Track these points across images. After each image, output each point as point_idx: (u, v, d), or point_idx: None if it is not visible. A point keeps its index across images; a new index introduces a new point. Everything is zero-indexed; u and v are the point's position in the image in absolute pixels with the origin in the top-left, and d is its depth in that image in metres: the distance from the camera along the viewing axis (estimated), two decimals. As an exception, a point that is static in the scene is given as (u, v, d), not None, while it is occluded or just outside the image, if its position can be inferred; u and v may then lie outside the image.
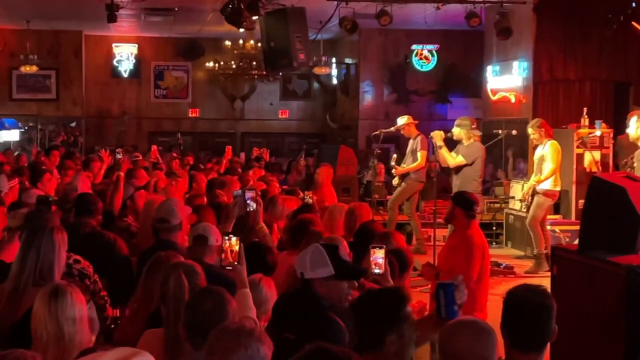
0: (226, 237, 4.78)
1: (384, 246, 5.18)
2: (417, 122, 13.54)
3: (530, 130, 12.35)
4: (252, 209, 6.60)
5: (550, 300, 3.87)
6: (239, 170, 12.73)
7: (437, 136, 12.02)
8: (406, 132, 13.41)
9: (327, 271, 4.29)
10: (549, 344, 3.90)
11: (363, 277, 4.69)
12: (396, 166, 13.15)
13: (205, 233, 5.71)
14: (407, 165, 13.11)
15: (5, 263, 5.08)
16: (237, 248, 4.74)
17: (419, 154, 12.98)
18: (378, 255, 5.09)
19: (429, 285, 9.85)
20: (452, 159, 12.00)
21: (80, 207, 6.97)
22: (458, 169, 12.21)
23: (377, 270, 5.00)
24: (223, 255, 4.72)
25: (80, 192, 7.86)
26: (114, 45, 23.25)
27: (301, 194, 9.43)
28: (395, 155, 13.69)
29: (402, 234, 7.78)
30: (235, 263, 4.67)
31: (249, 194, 6.67)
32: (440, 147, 11.98)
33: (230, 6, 12.73)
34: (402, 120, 13.45)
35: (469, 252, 6.95)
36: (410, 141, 13.35)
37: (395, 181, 13.36)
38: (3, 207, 6.78)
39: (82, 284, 5.18)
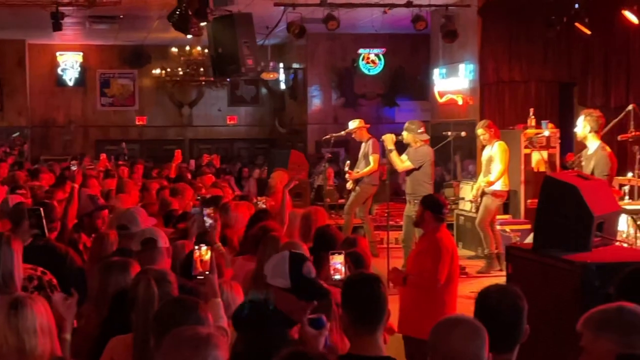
0: (196, 247, 4.73)
1: (343, 252, 5.16)
2: (368, 125, 13.52)
3: (480, 131, 12.43)
4: (210, 225, 6.54)
5: (523, 301, 3.87)
6: (189, 176, 12.65)
7: (388, 139, 12.01)
8: (357, 135, 13.39)
9: (284, 283, 4.20)
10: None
11: (319, 299, 4.46)
12: (350, 171, 13.14)
13: (154, 236, 5.60)
14: (360, 169, 13.10)
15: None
16: (207, 257, 4.69)
17: (371, 157, 12.96)
18: (337, 261, 5.05)
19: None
20: (401, 163, 12.01)
21: (27, 219, 6.69)
22: (409, 172, 12.24)
23: (337, 277, 4.96)
24: (194, 265, 4.67)
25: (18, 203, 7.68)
26: (58, 53, 23.01)
27: (255, 199, 9.38)
28: (348, 161, 13.69)
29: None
30: (207, 272, 4.62)
31: (207, 211, 6.62)
32: (391, 150, 11.98)
33: (178, 13, 12.64)
34: (353, 124, 13.42)
35: (437, 255, 6.91)
36: (362, 145, 13.31)
37: (349, 185, 13.35)
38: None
39: (51, 296, 5.11)
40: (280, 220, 7.27)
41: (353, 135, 13.53)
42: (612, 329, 3.36)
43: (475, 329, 3.35)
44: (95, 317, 4.74)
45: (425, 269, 6.90)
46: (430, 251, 7.00)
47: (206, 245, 4.77)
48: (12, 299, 3.73)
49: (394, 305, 6.82)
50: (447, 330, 3.35)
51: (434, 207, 7.20)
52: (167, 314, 3.74)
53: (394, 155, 11.96)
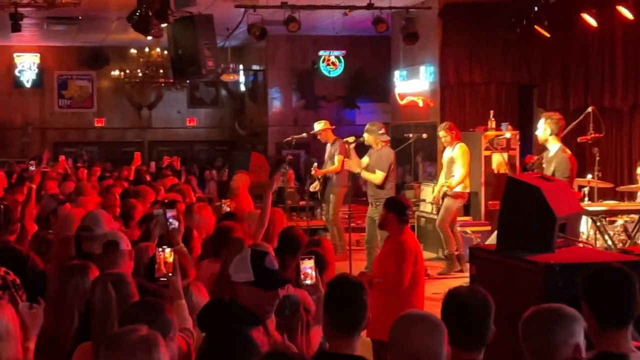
0: (160, 249, 4.69)
1: (313, 256, 5.14)
2: (333, 127, 13.53)
3: (441, 133, 12.46)
4: (173, 227, 6.48)
5: (490, 300, 3.89)
6: (148, 179, 12.55)
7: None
8: (323, 137, 13.39)
9: (247, 276, 4.16)
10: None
11: (281, 287, 4.51)
12: (316, 168, 13.17)
13: (116, 238, 5.51)
14: (326, 167, 13.19)
15: None
16: (170, 260, 4.67)
17: (336, 158, 12.99)
18: (307, 266, 5.01)
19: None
20: (376, 177, 11.94)
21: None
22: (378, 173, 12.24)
23: (307, 281, 4.94)
24: (157, 267, 4.61)
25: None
26: (15, 55, 22.79)
27: (217, 202, 9.35)
28: (315, 164, 13.67)
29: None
30: (170, 274, 4.59)
31: (170, 213, 6.55)
32: (359, 172, 11.99)
33: (138, 14, 12.55)
34: (319, 126, 13.43)
35: (401, 257, 6.90)
36: (328, 146, 13.35)
37: (314, 186, 13.33)
38: None
39: (16, 296, 5.04)
40: (261, 222, 7.18)
41: (318, 137, 13.52)
42: None
43: (434, 325, 3.36)
44: (52, 319, 4.66)
45: (390, 271, 6.89)
46: (394, 253, 6.98)
47: (169, 247, 4.73)
48: None
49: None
50: (406, 326, 3.36)
51: (398, 209, 7.17)
52: (132, 317, 3.66)
53: (365, 174, 11.94)
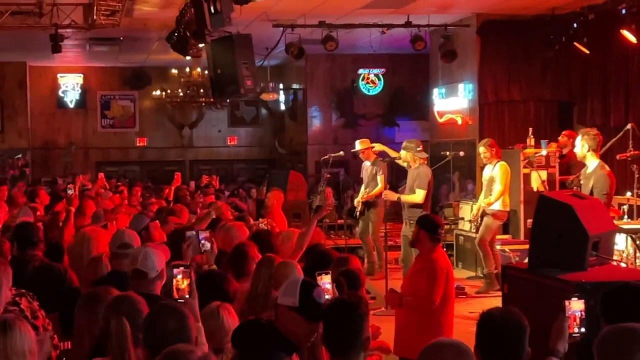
0: (175, 273, 4.71)
1: (330, 272, 5.14)
2: (374, 146, 13.42)
3: (482, 149, 12.35)
4: (206, 249, 6.51)
5: (525, 321, 3.86)
6: (188, 197, 12.64)
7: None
8: (364, 156, 13.18)
9: (292, 301, 4.17)
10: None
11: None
12: (362, 198, 13.14)
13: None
14: (370, 189, 13.09)
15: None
16: (183, 286, 4.64)
17: (379, 178, 12.93)
18: (325, 281, 5.00)
19: (382, 308, 9.90)
20: (417, 196, 11.86)
21: (22, 238, 6.79)
22: (412, 191, 12.20)
23: (326, 296, 4.96)
24: (172, 290, 4.63)
25: (19, 222, 7.64)
26: (59, 75, 23.07)
27: (251, 221, 9.37)
28: (354, 194, 13.71)
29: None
30: (187, 297, 4.59)
31: (202, 235, 6.57)
32: (398, 198, 11.97)
33: (176, 34, 12.71)
34: (360, 145, 13.27)
35: (433, 275, 6.85)
36: (367, 165, 13.19)
37: (357, 201, 13.30)
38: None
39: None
40: (300, 243, 7.14)
41: (360, 156, 13.40)
42: None
43: (463, 352, 3.35)
44: (76, 346, 4.69)
45: (420, 289, 6.87)
46: (425, 271, 6.95)
47: (185, 269, 4.75)
48: (1, 321, 3.67)
49: (390, 325, 6.85)
50: (436, 352, 3.34)
51: (430, 227, 7.14)
52: (156, 325, 3.74)
53: (405, 198, 11.90)
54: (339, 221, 14.25)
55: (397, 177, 14.26)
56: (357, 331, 3.95)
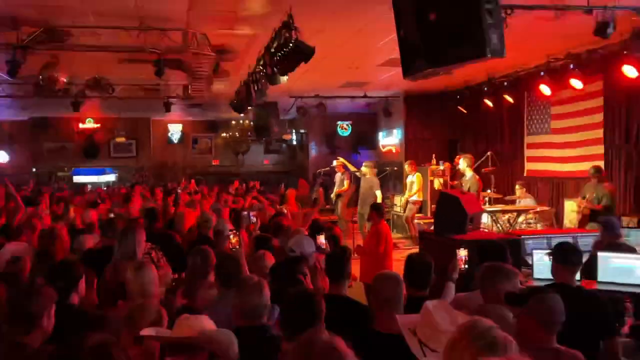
0: (231, 234, 4.76)
1: (323, 234, 5.12)
2: (343, 162, 13.53)
3: (406, 166, 12.56)
4: (254, 222, 6.50)
5: (431, 260, 3.85)
6: (242, 193, 12.60)
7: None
8: (337, 169, 13.45)
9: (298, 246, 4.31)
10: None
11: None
12: (338, 190, 13.15)
13: (222, 227, 5.41)
14: (338, 187, 13.15)
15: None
16: (234, 241, 4.77)
17: (345, 182, 13.03)
18: (321, 238, 5.00)
19: (354, 255, 9.86)
20: (380, 195, 11.79)
21: (150, 217, 6.76)
22: (365, 192, 12.17)
23: (322, 247, 4.94)
24: (229, 243, 4.67)
25: (147, 207, 7.57)
26: (168, 124, 22.91)
27: (277, 206, 9.34)
28: (330, 190, 13.70)
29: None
30: (237, 247, 4.58)
31: (252, 213, 6.60)
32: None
33: (235, 101, 12.68)
34: (335, 162, 13.54)
35: (379, 236, 6.87)
36: (339, 174, 13.37)
37: (333, 196, 13.32)
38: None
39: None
40: (306, 220, 6.83)
41: (335, 169, 13.55)
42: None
43: (398, 279, 3.27)
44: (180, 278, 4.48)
45: (373, 244, 6.89)
46: (375, 234, 6.98)
47: (235, 232, 4.76)
48: (137, 263, 3.68)
49: (356, 265, 6.83)
50: (382, 280, 3.27)
51: (378, 210, 7.20)
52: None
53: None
54: (327, 206, 14.20)
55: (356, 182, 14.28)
56: (346, 267, 3.91)
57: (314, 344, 1.70)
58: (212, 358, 2.30)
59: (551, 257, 3.78)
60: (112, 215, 7.75)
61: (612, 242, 5.29)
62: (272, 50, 7.05)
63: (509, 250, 4.10)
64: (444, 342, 1.99)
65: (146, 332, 2.34)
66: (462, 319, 2.18)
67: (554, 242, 4.96)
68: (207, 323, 2.39)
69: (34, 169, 20.95)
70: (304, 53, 6.46)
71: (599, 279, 5.02)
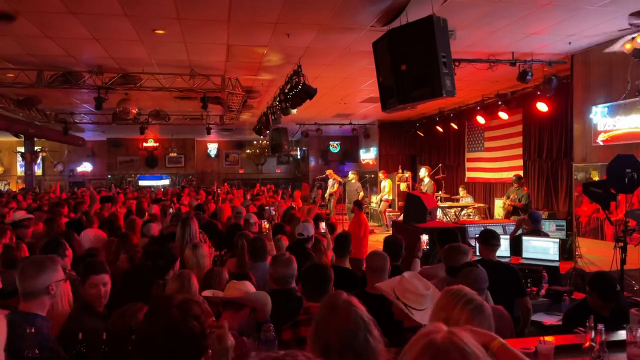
0: (264, 221, 4.62)
1: (323, 222, 5.09)
2: (332, 171, 13.56)
3: (380, 174, 12.47)
4: (273, 214, 6.45)
5: (402, 241, 3.83)
6: (261, 193, 12.53)
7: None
8: (329, 176, 13.45)
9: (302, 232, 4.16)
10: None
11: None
12: (331, 191, 13.10)
13: (250, 218, 5.20)
14: (330, 190, 13.16)
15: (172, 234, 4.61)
16: (267, 226, 4.59)
17: (335, 185, 13.00)
18: (323, 225, 5.01)
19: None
20: (362, 195, 11.83)
21: (198, 210, 6.73)
22: (350, 191, 12.17)
23: (322, 231, 4.91)
24: (261, 225, 4.56)
25: (196, 204, 7.53)
26: (208, 143, 22.82)
27: (290, 203, 9.28)
28: (321, 191, 13.67)
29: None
30: (264, 233, 4.43)
31: (272, 208, 6.55)
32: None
33: (257, 126, 12.64)
34: (327, 172, 13.52)
35: (360, 224, 6.83)
36: (330, 180, 13.37)
37: (326, 196, 13.34)
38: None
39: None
40: (309, 213, 6.52)
41: (327, 176, 13.55)
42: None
43: (385, 256, 3.20)
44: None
45: (355, 229, 6.86)
46: (356, 223, 6.91)
47: (267, 220, 4.65)
48: (194, 244, 3.58)
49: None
50: (372, 256, 3.21)
51: (359, 205, 7.14)
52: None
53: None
54: (322, 203, 14.19)
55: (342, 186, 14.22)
56: (347, 245, 3.88)
57: (337, 299, 1.69)
58: (253, 312, 2.31)
59: (477, 240, 3.79)
60: (171, 210, 7.70)
61: (535, 229, 5.34)
62: (285, 90, 7.12)
63: (459, 234, 4.12)
64: (425, 303, 2.00)
65: (205, 293, 2.35)
66: (430, 285, 2.23)
67: (489, 228, 4.99)
68: (249, 287, 2.40)
69: (109, 176, 20.89)
70: (308, 93, 6.52)
71: (524, 255, 5.06)
